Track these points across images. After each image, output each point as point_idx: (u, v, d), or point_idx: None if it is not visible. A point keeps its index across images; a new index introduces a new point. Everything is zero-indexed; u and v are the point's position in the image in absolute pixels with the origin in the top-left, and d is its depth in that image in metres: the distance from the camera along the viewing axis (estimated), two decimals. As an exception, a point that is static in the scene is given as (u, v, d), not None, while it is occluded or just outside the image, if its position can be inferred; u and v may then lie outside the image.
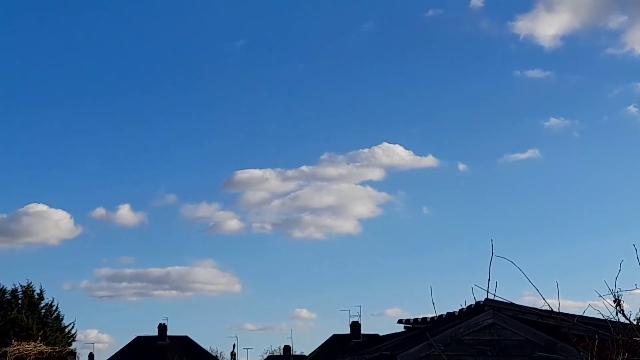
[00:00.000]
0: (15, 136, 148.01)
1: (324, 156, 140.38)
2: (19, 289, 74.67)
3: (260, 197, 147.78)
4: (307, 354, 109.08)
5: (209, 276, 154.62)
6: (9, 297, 73.76)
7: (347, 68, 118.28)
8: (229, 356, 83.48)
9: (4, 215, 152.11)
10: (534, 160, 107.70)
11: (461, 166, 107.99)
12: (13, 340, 19.50)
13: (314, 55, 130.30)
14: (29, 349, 18.86)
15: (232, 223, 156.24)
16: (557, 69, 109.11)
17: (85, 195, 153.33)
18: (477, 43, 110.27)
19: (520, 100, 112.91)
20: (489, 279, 8.79)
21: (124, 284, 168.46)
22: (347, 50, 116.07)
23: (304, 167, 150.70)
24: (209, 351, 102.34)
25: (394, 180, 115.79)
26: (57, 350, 19.35)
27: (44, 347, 19.23)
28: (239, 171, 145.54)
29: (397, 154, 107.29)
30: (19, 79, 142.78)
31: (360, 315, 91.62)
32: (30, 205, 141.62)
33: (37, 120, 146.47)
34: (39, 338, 21.50)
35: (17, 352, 18.66)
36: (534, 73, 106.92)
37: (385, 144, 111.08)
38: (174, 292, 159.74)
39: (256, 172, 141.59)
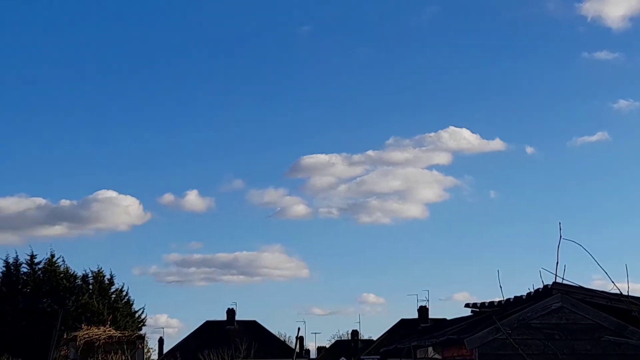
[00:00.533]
0: (84, 125, 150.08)
1: (390, 140, 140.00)
2: (90, 275, 75.81)
3: (327, 182, 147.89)
4: (374, 338, 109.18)
5: (276, 261, 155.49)
6: (80, 283, 74.97)
7: (412, 51, 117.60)
8: (296, 341, 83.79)
9: (75, 202, 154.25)
10: (602, 142, 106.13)
11: (529, 149, 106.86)
12: (83, 325, 19.75)
13: (379, 39, 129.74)
14: (98, 333, 19.13)
15: (299, 208, 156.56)
16: (625, 50, 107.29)
17: (154, 181, 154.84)
18: (545, 25, 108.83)
19: (589, 82, 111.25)
20: (557, 263, 8.66)
21: (193, 269, 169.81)
22: (412, 34, 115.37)
23: (370, 152, 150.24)
24: (277, 336, 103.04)
25: (461, 164, 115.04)
26: (126, 334, 19.57)
27: (113, 331, 19.47)
28: (304, 156, 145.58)
29: (463, 138, 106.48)
30: (84, 73, 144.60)
31: (428, 300, 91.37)
32: (99, 192, 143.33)
33: (106, 110, 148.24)
34: (109, 322, 21.77)
35: (86, 336, 18.94)
36: (602, 55, 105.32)
37: (452, 127, 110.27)
38: (241, 277, 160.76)
39: (322, 157, 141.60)
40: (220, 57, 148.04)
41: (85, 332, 18.91)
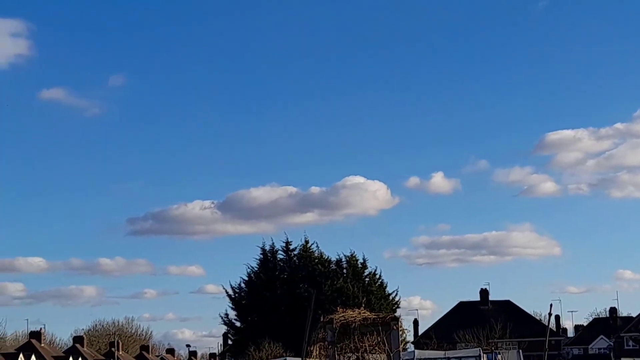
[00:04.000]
0: (330, 114, 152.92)
1: (637, 113, 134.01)
2: (343, 259, 77.36)
3: (574, 157, 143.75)
4: (634, 315, 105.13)
5: (526, 240, 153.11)
6: (334, 267, 76.57)
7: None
8: (553, 319, 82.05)
9: (324, 189, 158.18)
10: None
11: None
12: (338, 308, 20.12)
13: (614, 12, 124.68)
14: (354, 315, 19.40)
15: (547, 186, 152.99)
16: None
17: (399, 165, 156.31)
18: None
19: None
20: None
21: (442, 251, 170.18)
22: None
23: (618, 125, 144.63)
24: (532, 315, 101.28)
25: None
26: (381, 316, 19.72)
27: (368, 313, 19.68)
28: (549, 133, 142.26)
29: None
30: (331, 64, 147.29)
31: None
32: (348, 178, 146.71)
33: (353, 97, 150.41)
34: (363, 305, 22.07)
35: (342, 318, 19.26)
36: None
37: None
38: (492, 257, 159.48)
39: (567, 133, 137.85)
40: (455, 41, 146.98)
41: (340, 315, 19.26)
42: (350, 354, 19.46)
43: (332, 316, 19.20)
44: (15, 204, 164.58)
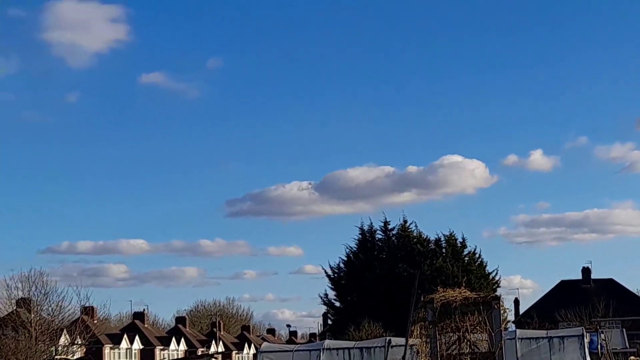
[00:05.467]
0: (428, 94, 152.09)
1: None
2: (442, 239, 77.05)
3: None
4: None
5: (628, 217, 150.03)
6: (433, 247, 76.31)
7: None
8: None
9: (422, 168, 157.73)
10: None
11: None
12: (438, 287, 20.06)
13: None
14: (454, 295, 19.30)
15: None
16: None
17: (497, 143, 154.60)
18: None
19: None
20: None
21: (542, 229, 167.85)
22: None
23: None
24: (636, 293, 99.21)
25: None
26: (482, 295, 19.58)
27: (469, 293, 19.56)
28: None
29: None
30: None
31: None
32: (445, 157, 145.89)
33: (460, 76, 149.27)
34: (464, 285, 21.95)
35: (442, 298, 19.19)
36: None
37: None
38: (593, 235, 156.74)
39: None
40: (554, 19, 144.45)
41: (441, 295, 19.19)
42: (451, 334, 19.41)
43: (432, 296, 19.16)
44: (117, 187, 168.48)
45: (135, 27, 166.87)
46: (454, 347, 19.55)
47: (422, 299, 19.77)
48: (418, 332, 19.75)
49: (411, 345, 20.14)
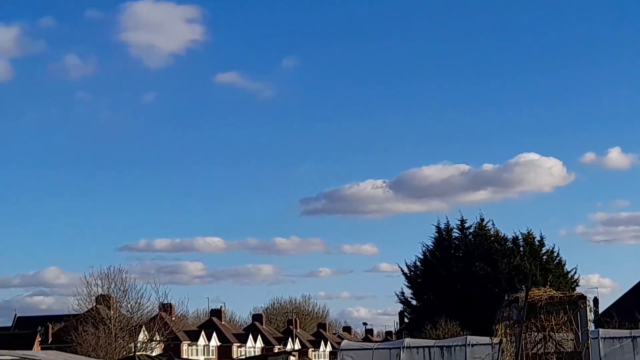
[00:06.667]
0: (505, 92, 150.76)
1: None
2: (520, 237, 76.10)
3: None
4: None
5: None
6: (511, 245, 75.39)
7: None
8: None
9: (497, 166, 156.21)
10: None
11: None
12: (523, 287, 19.80)
13: None
14: (539, 294, 19.07)
15: None
16: None
17: (574, 141, 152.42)
18: None
19: None
20: None
21: (621, 228, 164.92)
22: None
23: None
24: None
25: None
26: (567, 294, 19.30)
27: (554, 292, 19.30)
28: None
29: None
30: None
31: None
32: (521, 155, 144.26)
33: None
34: (549, 284, 21.69)
35: (528, 297, 18.96)
36: None
37: None
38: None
39: None
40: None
41: (526, 294, 18.96)
42: (536, 333, 19.18)
43: (517, 295, 18.94)
44: (193, 186, 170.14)
45: (211, 27, 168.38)
46: (539, 346, 19.31)
47: (506, 298, 19.56)
48: (503, 330, 19.54)
49: (495, 344, 19.93)
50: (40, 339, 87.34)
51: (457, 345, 40.71)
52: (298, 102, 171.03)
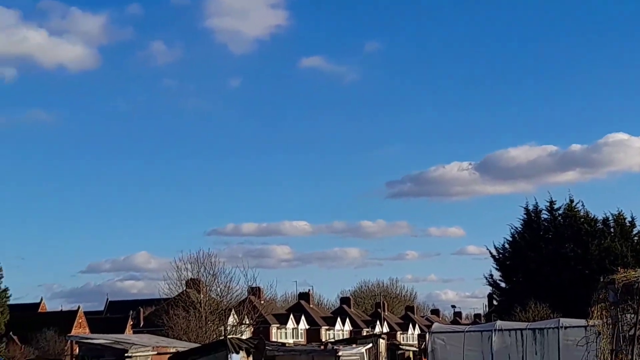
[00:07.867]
0: (593, 71, 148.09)
1: None
2: (610, 218, 74.72)
3: None
4: None
5: None
6: (601, 227, 74.09)
7: None
8: None
9: (585, 146, 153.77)
10: None
11: None
12: (619, 268, 19.38)
13: None
14: (637, 275, 18.67)
15: None
16: None
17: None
18: None
19: None
20: None
21: None
22: None
23: None
24: None
25: None
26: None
27: (653, 272, 18.86)
28: None
29: None
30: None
31: None
32: (610, 135, 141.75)
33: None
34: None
35: (624, 278, 18.60)
36: None
37: None
38: None
39: None
40: None
41: (622, 275, 18.56)
42: (632, 315, 18.76)
43: (613, 276, 18.55)
44: (279, 170, 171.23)
45: (294, 12, 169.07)
46: (636, 327, 18.88)
47: (602, 279, 19.18)
48: (599, 312, 19.14)
49: (591, 327, 19.53)
50: (132, 322, 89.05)
51: (550, 328, 40.16)
52: (382, 86, 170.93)
